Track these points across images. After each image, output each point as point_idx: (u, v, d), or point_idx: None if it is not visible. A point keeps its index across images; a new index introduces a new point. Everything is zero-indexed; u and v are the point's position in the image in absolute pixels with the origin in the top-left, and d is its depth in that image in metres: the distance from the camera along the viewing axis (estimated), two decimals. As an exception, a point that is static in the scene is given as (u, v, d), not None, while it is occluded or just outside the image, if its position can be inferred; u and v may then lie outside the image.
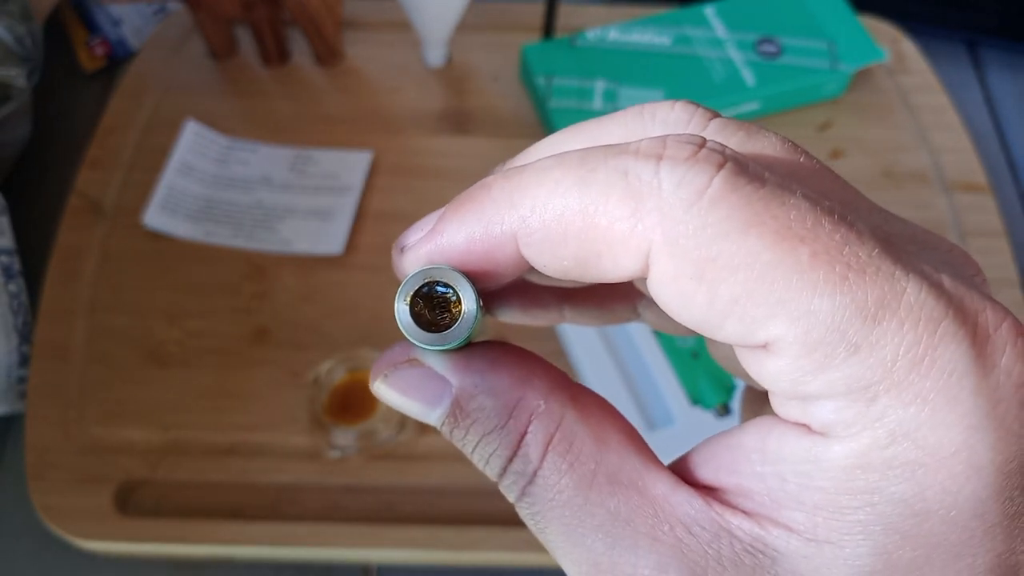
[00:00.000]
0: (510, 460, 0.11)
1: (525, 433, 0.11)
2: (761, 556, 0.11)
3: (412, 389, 0.12)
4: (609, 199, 0.10)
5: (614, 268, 0.11)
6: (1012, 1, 0.49)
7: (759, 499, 0.11)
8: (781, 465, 0.11)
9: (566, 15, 0.45)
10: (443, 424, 0.12)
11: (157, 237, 0.39)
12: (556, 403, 0.12)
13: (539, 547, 0.34)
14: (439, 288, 0.12)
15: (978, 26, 0.49)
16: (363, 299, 0.37)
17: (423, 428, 0.34)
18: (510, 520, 0.32)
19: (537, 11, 0.43)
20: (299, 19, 0.41)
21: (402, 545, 0.32)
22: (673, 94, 0.41)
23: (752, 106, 0.42)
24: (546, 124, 0.42)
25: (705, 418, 0.33)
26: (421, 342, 0.12)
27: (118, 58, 0.47)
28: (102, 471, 0.33)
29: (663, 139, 0.11)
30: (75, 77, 0.46)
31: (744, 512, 0.11)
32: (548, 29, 0.43)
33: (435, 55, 0.44)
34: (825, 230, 0.10)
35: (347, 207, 0.39)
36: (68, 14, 0.47)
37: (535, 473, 0.11)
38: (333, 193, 0.40)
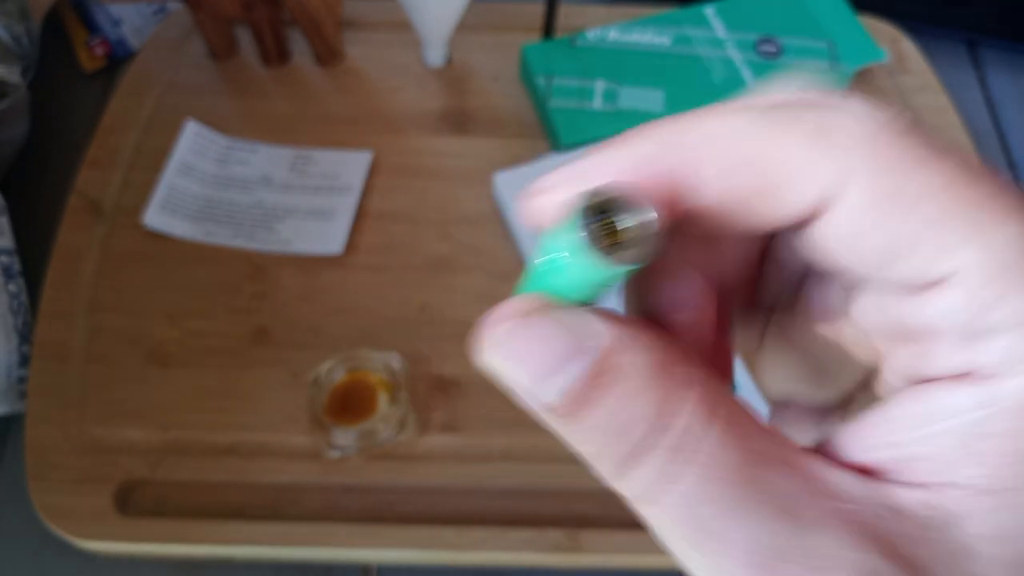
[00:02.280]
0: (664, 428, 0.10)
1: (686, 397, 0.10)
2: (945, 525, 0.10)
3: (544, 339, 0.10)
4: (794, 127, 0.10)
5: (790, 201, 0.10)
6: (1013, 2, 0.49)
7: (926, 466, 0.10)
8: (948, 422, 0.10)
9: (566, 15, 0.45)
10: (576, 382, 0.10)
11: (157, 237, 0.39)
12: (709, 374, 0.10)
13: (539, 547, 0.34)
14: (605, 216, 0.10)
15: (978, 25, 0.49)
16: (363, 299, 0.37)
17: (423, 428, 0.34)
18: (509, 520, 0.32)
19: (537, 11, 0.43)
20: (299, 19, 0.41)
21: (402, 545, 0.32)
22: (673, 94, 0.41)
23: (752, 106, 0.43)
24: (546, 124, 0.42)
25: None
26: (602, 266, 0.10)
27: (118, 58, 0.47)
28: (102, 471, 0.33)
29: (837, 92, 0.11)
30: (75, 77, 0.46)
31: (914, 485, 0.10)
32: (548, 29, 0.43)
33: (435, 55, 0.44)
34: (988, 170, 0.10)
35: (347, 207, 0.39)
36: (68, 14, 0.47)
37: (697, 448, 0.10)
38: (333, 193, 0.40)
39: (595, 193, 0.10)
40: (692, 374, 0.10)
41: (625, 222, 0.10)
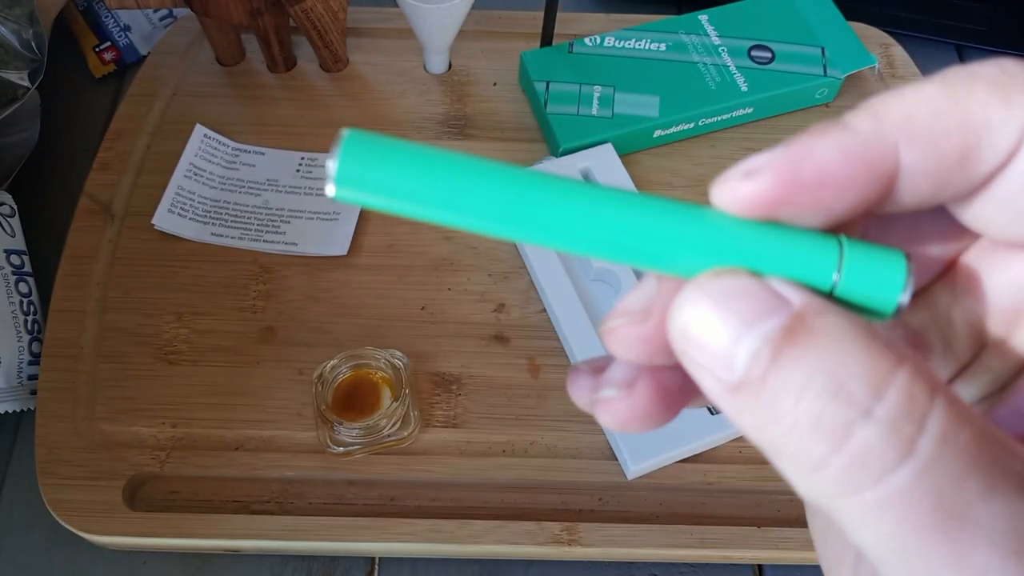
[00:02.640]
0: (882, 391, 0.08)
1: (901, 363, 0.09)
2: None
3: (736, 299, 0.09)
4: (975, 89, 0.10)
5: (986, 158, 0.10)
6: (1000, 10, 0.50)
7: None
8: None
9: (564, 23, 0.46)
10: (768, 344, 0.09)
11: (166, 238, 0.39)
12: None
13: (538, 540, 0.35)
14: None
15: (966, 35, 0.50)
16: (367, 298, 0.38)
17: (425, 424, 0.35)
18: (509, 514, 0.33)
19: (536, 19, 0.44)
20: (304, 26, 0.42)
21: (404, 538, 0.33)
22: (669, 99, 0.42)
23: (745, 111, 0.43)
24: (545, 129, 0.43)
25: (698, 415, 0.34)
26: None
27: (127, 63, 0.48)
28: (112, 467, 0.34)
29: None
30: (84, 82, 0.47)
31: None
32: (546, 36, 0.44)
33: (437, 62, 0.45)
34: None
35: (352, 209, 0.40)
36: (77, 21, 0.48)
37: (926, 417, 0.08)
38: (337, 195, 0.41)
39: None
40: (898, 342, 0.09)
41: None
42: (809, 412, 0.09)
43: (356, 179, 0.11)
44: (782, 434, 0.09)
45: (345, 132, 0.11)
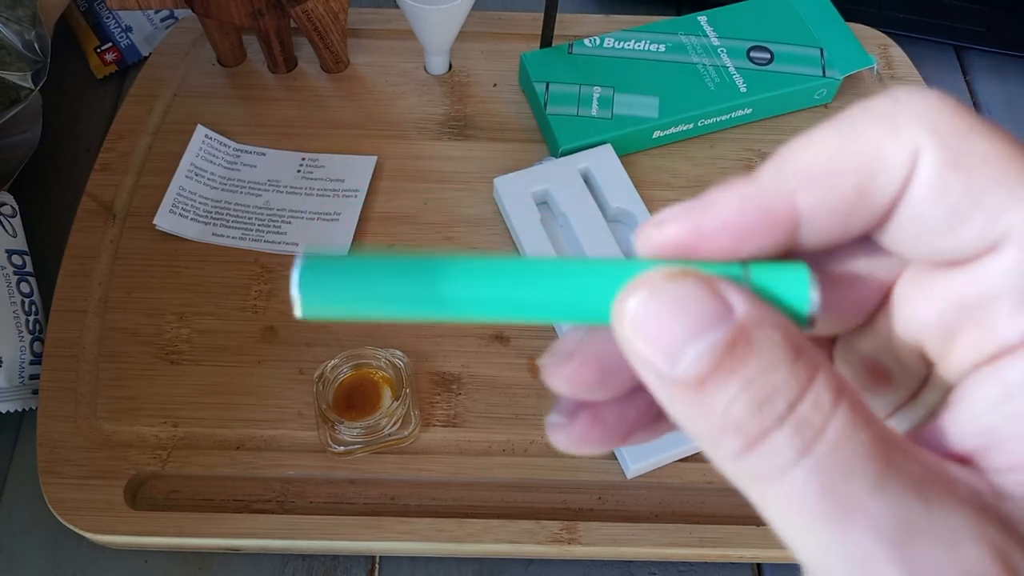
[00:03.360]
0: (795, 403, 0.10)
1: (815, 376, 0.10)
2: None
3: (686, 303, 0.10)
4: (866, 122, 0.11)
5: (885, 187, 0.11)
6: (998, 11, 0.50)
7: (1016, 445, 0.10)
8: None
9: (564, 24, 0.46)
10: (711, 352, 0.10)
11: (167, 238, 0.39)
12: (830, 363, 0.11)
13: (538, 539, 0.35)
14: None
15: (965, 36, 0.50)
16: (367, 299, 0.38)
17: (425, 423, 0.35)
18: (509, 512, 0.33)
19: (536, 20, 0.44)
20: (305, 28, 0.42)
21: (405, 536, 0.33)
22: (668, 100, 0.42)
23: (744, 112, 0.44)
24: (544, 129, 0.43)
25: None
26: None
27: (128, 64, 0.48)
28: (113, 466, 0.34)
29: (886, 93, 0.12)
30: (86, 82, 0.47)
31: (1007, 469, 0.10)
32: (546, 38, 0.44)
33: (437, 63, 0.45)
34: None
35: (352, 210, 0.40)
36: (79, 21, 0.48)
37: (826, 424, 0.10)
38: (339, 196, 0.41)
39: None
40: (815, 354, 0.10)
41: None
42: (736, 417, 0.10)
43: (316, 300, 0.13)
44: (710, 429, 0.10)
45: (300, 258, 0.13)
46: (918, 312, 0.12)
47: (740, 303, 0.11)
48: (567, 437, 0.13)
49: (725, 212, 0.12)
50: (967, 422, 0.11)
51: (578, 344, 0.13)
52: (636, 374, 0.11)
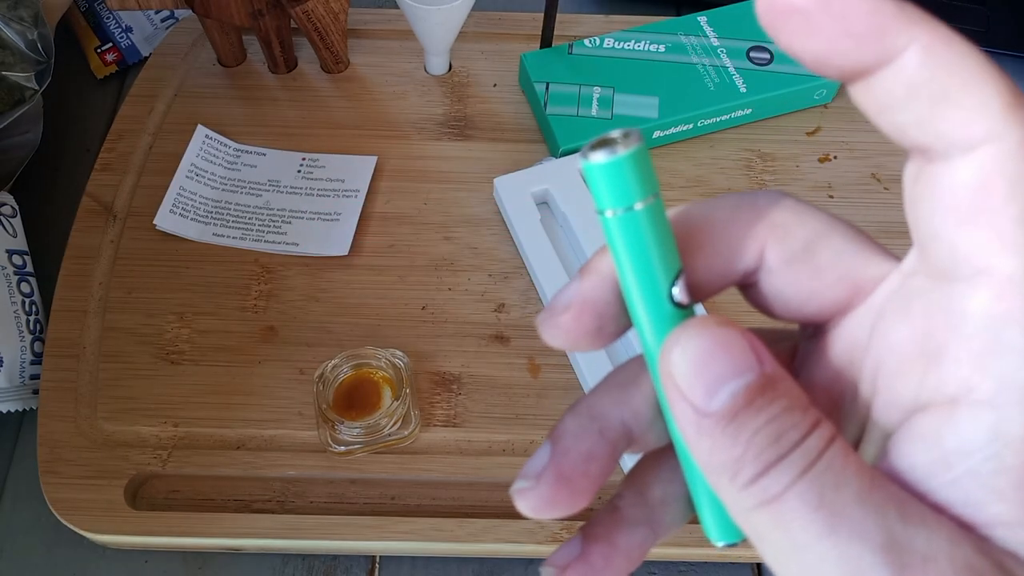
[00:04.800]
0: (804, 437, 0.11)
1: (819, 420, 0.12)
2: (1000, 565, 0.11)
3: (729, 348, 0.12)
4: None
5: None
6: (997, 12, 0.50)
7: (959, 511, 0.11)
8: (967, 462, 0.11)
9: (564, 24, 0.46)
10: (747, 389, 0.12)
11: (167, 238, 0.40)
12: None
13: (538, 538, 0.35)
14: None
15: (965, 37, 0.50)
16: (368, 298, 0.38)
17: (425, 423, 0.35)
18: (509, 512, 0.33)
19: (536, 20, 0.44)
20: (305, 28, 0.42)
21: (405, 536, 0.33)
22: (668, 100, 0.43)
23: (744, 112, 0.44)
24: (544, 130, 0.43)
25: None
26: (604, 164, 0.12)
27: (128, 64, 0.48)
28: (113, 466, 0.34)
29: None
30: (86, 83, 0.47)
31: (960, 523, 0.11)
32: (546, 38, 0.44)
33: (437, 63, 0.45)
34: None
35: (352, 210, 0.40)
36: (79, 22, 0.48)
37: (824, 451, 0.11)
38: (339, 196, 0.41)
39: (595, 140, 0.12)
40: (818, 409, 0.12)
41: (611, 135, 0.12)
42: (756, 448, 0.12)
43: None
44: (733, 457, 0.12)
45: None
46: (882, 337, 0.13)
47: (767, 357, 0.12)
48: (536, 498, 0.14)
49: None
50: (910, 484, 0.12)
51: (573, 296, 0.14)
52: (665, 395, 0.13)
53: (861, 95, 0.12)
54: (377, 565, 0.34)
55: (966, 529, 0.11)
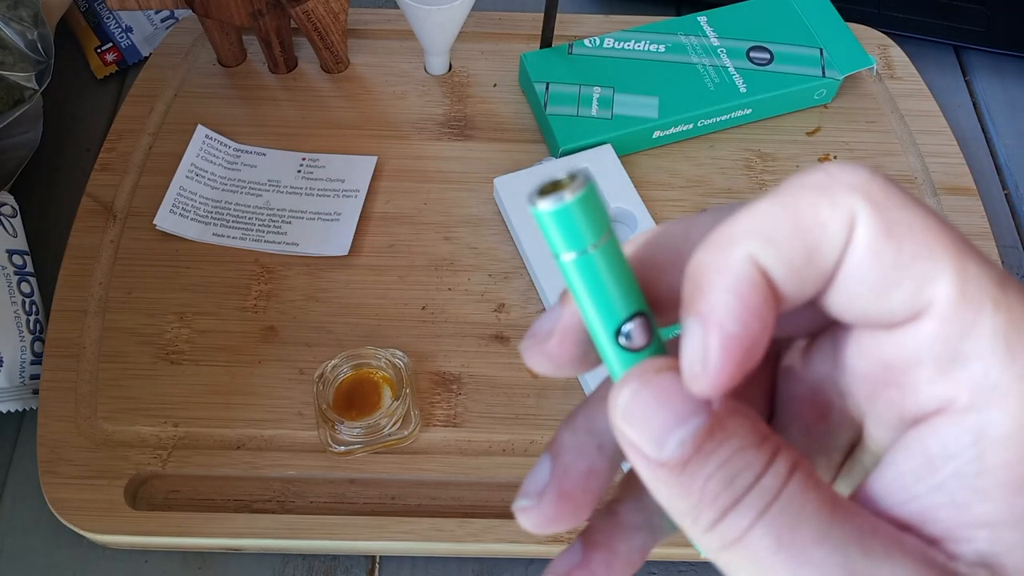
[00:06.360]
0: (760, 476, 0.11)
1: (776, 454, 0.12)
2: (987, 568, 0.11)
3: (670, 396, 0.12)
4: (802, 195, 0.12)
5: (831, 246, 0.12)
6: (997, 11, 0.50)
7: (947, 514, 0.11)
8: (950, 466, 0.11)
9: (564, 24, 0.46)
10: (693, 438, 0.12)
11: (167, 238, 0.40)
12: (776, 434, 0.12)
13: (538, 538, 0.35)
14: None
15: (964, 36, 0.50)
16: (368, 298, 0.38)
17: (425, 423, 0.35)
18: (509, 512, 0.33)
19: (536, 20, 0.44)
20: (306, 28, 0.42)
21: (405, 536, 0.33)
22: (668, 100, 0.43)
23: (744, 112, 0.44)
24: (544, 129, 0.43)
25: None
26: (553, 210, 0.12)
27: (128, 64, 0.48)
28: (113, 466, 0.34)
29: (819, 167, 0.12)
30: (86, 83, 0.47)
31: (936, 538, 0.11)
32: (546, 38, 0.44)
33: (437, 63, 0.45)
34: (951, 224, 0.12)
35: (352, 210, 0.40)
36: (79, 22, 0.48)
37: (781, 489, 0.11)
38: (339, 196, 0.41)
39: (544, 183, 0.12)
40: (777, 439, 0.12)
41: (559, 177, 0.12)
42: (711, 494, 0.11)
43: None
44: (690, 505, 0.12)
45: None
46: (855, 365, 0.13)
47: (717, 399, 0.12)
48: (539, 516, 0.13)
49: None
50: (897, 491, 0.12)
51: (555, 323, 0.14)
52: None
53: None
54: (377, 565, 0.34)
55: (935, 547, 0.11)
